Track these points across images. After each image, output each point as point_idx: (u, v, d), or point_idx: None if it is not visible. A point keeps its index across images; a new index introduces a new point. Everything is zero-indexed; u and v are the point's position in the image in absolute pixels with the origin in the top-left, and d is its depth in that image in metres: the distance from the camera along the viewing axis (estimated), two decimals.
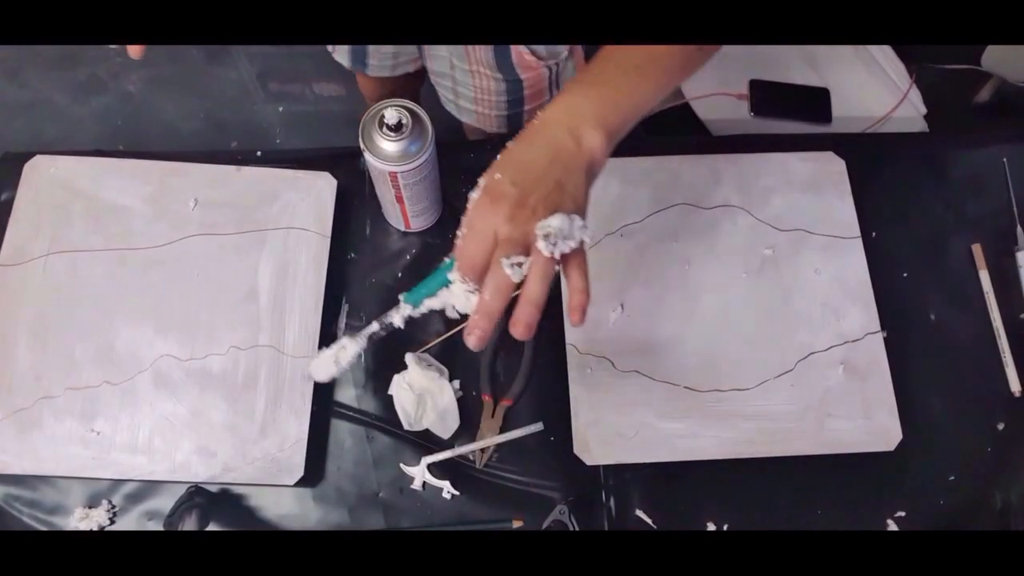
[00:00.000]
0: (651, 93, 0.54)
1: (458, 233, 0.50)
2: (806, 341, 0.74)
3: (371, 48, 0.94)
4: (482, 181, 0.50)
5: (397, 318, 0.57)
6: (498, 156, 0.51)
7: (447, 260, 0.52)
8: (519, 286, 0.48)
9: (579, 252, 0.50)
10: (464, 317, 0.51)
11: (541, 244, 0.47)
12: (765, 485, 0.71)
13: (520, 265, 0.47)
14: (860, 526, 0.70)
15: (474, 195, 0.50)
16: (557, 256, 0.47)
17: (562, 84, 0.91)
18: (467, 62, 0.87)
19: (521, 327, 0.48)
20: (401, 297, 0.56)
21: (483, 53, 0.84)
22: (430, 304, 0.55)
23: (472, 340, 0.49)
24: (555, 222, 0.47)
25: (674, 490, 0.71)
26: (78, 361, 0.71)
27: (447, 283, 0.52)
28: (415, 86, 1.07)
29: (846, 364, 0.73)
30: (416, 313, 0.55)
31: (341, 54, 0.97)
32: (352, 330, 0.75)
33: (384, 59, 0.95)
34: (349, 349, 0.61)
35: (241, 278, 0.75)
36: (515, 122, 0.94)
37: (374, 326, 0.59)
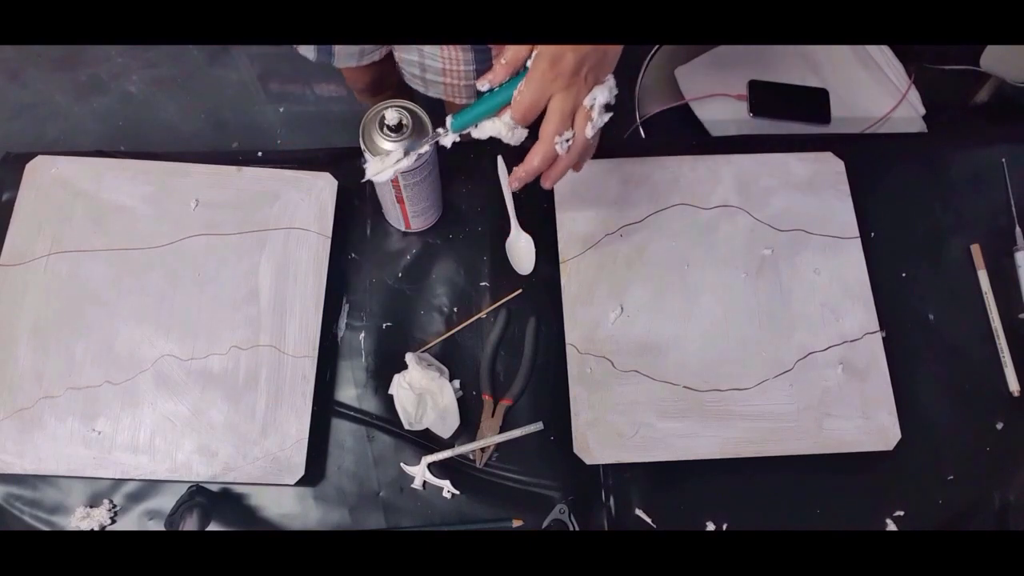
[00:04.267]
0: None
1: (497, 62, 0.57)
2: (805, 341, 0.74)
3: None
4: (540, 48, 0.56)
5: (446, 139, 0.62)
6: None
7: (487, 86, 0.58)
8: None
9: (587, 140, 0.59)
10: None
11: (588, 131, 0.57)
12: (764, 485, 0.71)
13: (568, 141, 0.57)
14: (859, 525, 0.70)
15: (529, 53, 0.56)
16: (595, 136, 0.58)
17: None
18: None
19: (550, 182, 0.60)
20: (449, 119, 0.61)
21: None
22: (473, 132, 0.61)
23: (516, 184, 0.60)
24: (600, 97, 0.56)
25: (674, 490, 0.71)
26: (79, 361, 0.71)
27: (492, 113, 0.59)
28: (392, 70, 1.06)
29: (845, 364, 0.73)
30: (458, 137, 0.62)
31: (306, 47, 0.96)
32: (353, 329, 0.76)
33: (349, 47, 0.94)
34: (403, 162, 0.64)
35: (242, 278, 0.75)
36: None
37: (425, 145, 0.64)
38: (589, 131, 0.57)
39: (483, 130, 0.60)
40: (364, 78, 1.12)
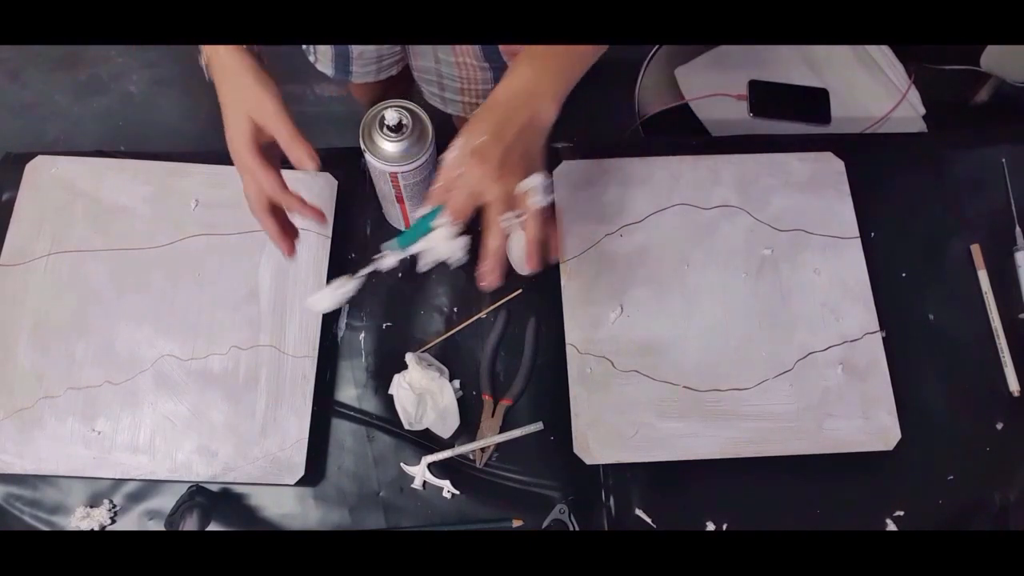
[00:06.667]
0: (595, 52, 0.60)
1: (435, 185, 0.57)
2: (805, 341, 0.74)
3: (354, 54, 0.93)
4: (460, 141, 0.56)
5: (390, 260, 0.60)
6: (467, 125, 0.57)
7: (428, 211, 0.58)
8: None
9: (539, 210, 0.57)
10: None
11: (536, 198, 0.55)
12: (764, 485, 0.71)
13: (518, 217, 0.56)
14: (859, 526, 0.70)
15: (452, 155, 0.56)
16: (544, 206, 0.56)
17: None
18: (453, 54, 0.86)
19: (535, 261, 0.57)
20: (384, 246, 0.60)
21: (469, 45, 0.84)
22: (413, 249, 0.59)
23: (487, 283, 0.57)
24: (536, 180, 0.56)
25: (674, 490, 0.71)
26: (79, 361, 0.71)
27: (428, 230, 0.57)
28: (406, 87, 1.07)
29: (845, 364, 0.73)
30: (403, 255, 0.60)
31: (324, 64, 0.96)
32: (353, 329, 0.76)
33: (367, 64, 0.95)
34: (348, 287, 0.63)
35: (242, 278, 0.75)
36: None
37: (369, 267, 0.61)
38: (537, 200, 0.55)
39: (426, 257, 0.58)
40: (375, 94, 1.12)
